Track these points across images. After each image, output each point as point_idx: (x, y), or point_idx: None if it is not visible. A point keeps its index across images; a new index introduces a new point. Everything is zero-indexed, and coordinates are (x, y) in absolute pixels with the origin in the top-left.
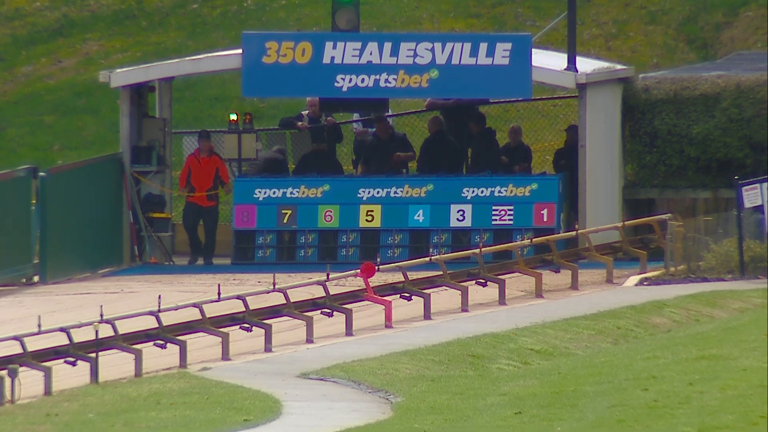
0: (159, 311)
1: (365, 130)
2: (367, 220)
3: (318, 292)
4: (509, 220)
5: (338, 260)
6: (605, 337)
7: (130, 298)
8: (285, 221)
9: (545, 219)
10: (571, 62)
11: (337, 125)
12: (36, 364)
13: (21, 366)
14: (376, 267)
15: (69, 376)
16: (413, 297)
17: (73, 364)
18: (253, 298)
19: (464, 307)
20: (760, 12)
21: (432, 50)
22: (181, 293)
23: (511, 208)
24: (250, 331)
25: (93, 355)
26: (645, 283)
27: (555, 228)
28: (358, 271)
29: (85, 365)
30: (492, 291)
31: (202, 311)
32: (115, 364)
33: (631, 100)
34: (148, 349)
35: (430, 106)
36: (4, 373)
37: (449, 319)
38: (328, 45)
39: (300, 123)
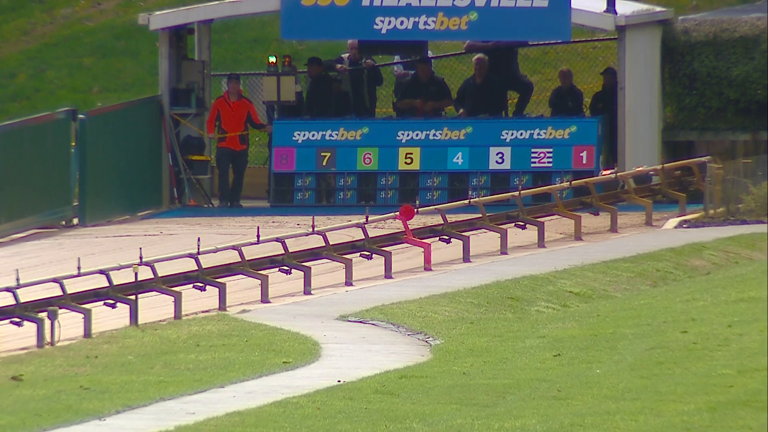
0: (198, 254)
1: (406, 73)
2: (406, 162)
3: (357, 234)
4: (548, 162)
5: (377, 203)
6: (644, 280)
7: (169, 241)
8: (324, 164)
9: (584, 161)
10: (611, 4)
11: (376, 68)
12: (76, 306)
13: (61, 308)
14: (415, 210)
15: (108, 318)
16: (452, 239)
17: (113, 306)
18: (293, 241)
19: (503, 250)
20: None
21: None
22: (220, 236)
23: (550, 150)
24: (290, 273)
25: (132, 297)
26: (684, 225)
27: (594, 170)
28: (397, 213)
29: (125, 307)
30: (531, 234)
31: (241, 254)
32: (154, 307)
33: (670, 43)
34: (187, 291)
35: (469, 49)
36: (44, 315)
37: (488, 261)
38: None
39: (339, 66)
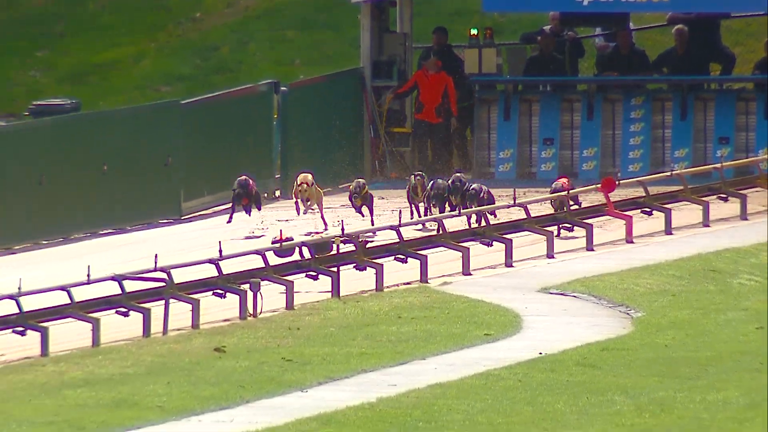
0: (399, 226)
1: (606, 45)
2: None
3: None
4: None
5: (579, 176)
6: None
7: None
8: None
9: None
10: None
11: (578, 40)
12: (278, 278)
13: (263, 280)
14: (617, 182)
15: (310, 290)
16: (654, 212)
17: (315, 278)
18: None
19: (705, 222)
20: None
21: None
22: (421, 209)
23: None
24: (491, 245)
25: (334, 269)
26: None
27: None
28: (599, 185)
29: (327, 279)
30: (733, 206)
31: (442, 226)
32: (356, 279)
33: None
34: (389, 263)
35: (671, 20)
36: (246, 287)
37: (690, 234)
38: None
39: (540, 38)
